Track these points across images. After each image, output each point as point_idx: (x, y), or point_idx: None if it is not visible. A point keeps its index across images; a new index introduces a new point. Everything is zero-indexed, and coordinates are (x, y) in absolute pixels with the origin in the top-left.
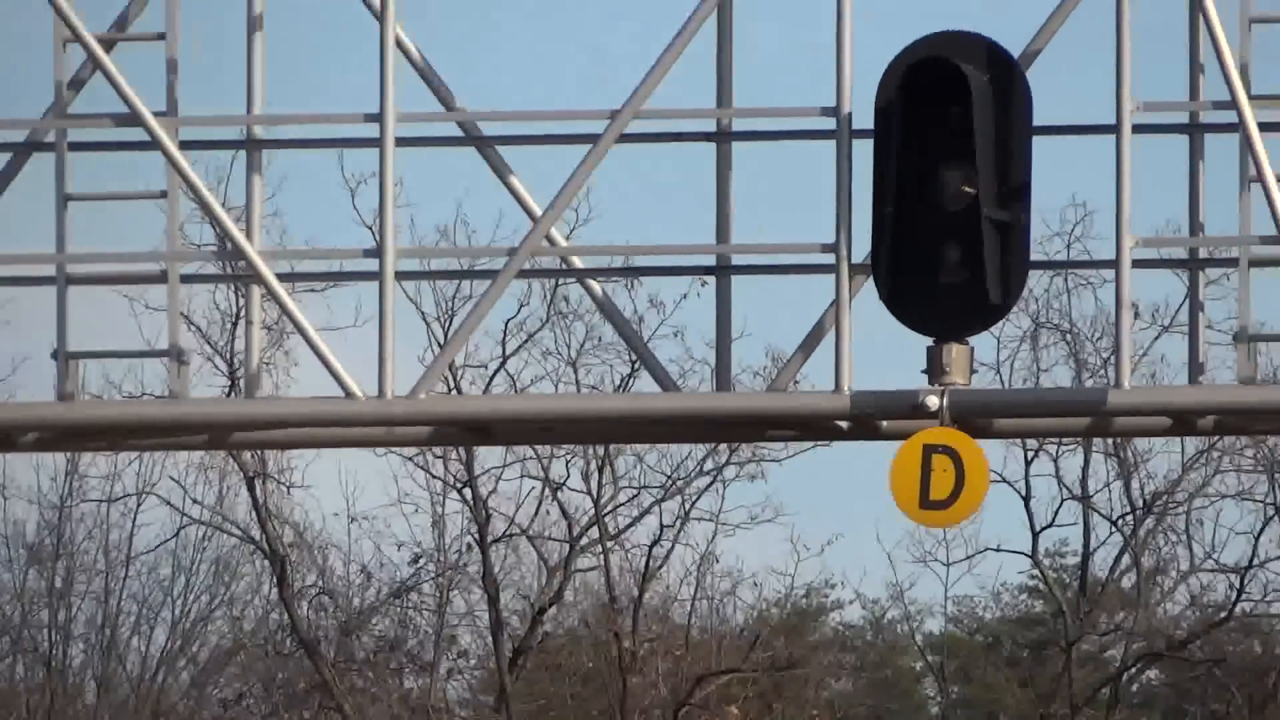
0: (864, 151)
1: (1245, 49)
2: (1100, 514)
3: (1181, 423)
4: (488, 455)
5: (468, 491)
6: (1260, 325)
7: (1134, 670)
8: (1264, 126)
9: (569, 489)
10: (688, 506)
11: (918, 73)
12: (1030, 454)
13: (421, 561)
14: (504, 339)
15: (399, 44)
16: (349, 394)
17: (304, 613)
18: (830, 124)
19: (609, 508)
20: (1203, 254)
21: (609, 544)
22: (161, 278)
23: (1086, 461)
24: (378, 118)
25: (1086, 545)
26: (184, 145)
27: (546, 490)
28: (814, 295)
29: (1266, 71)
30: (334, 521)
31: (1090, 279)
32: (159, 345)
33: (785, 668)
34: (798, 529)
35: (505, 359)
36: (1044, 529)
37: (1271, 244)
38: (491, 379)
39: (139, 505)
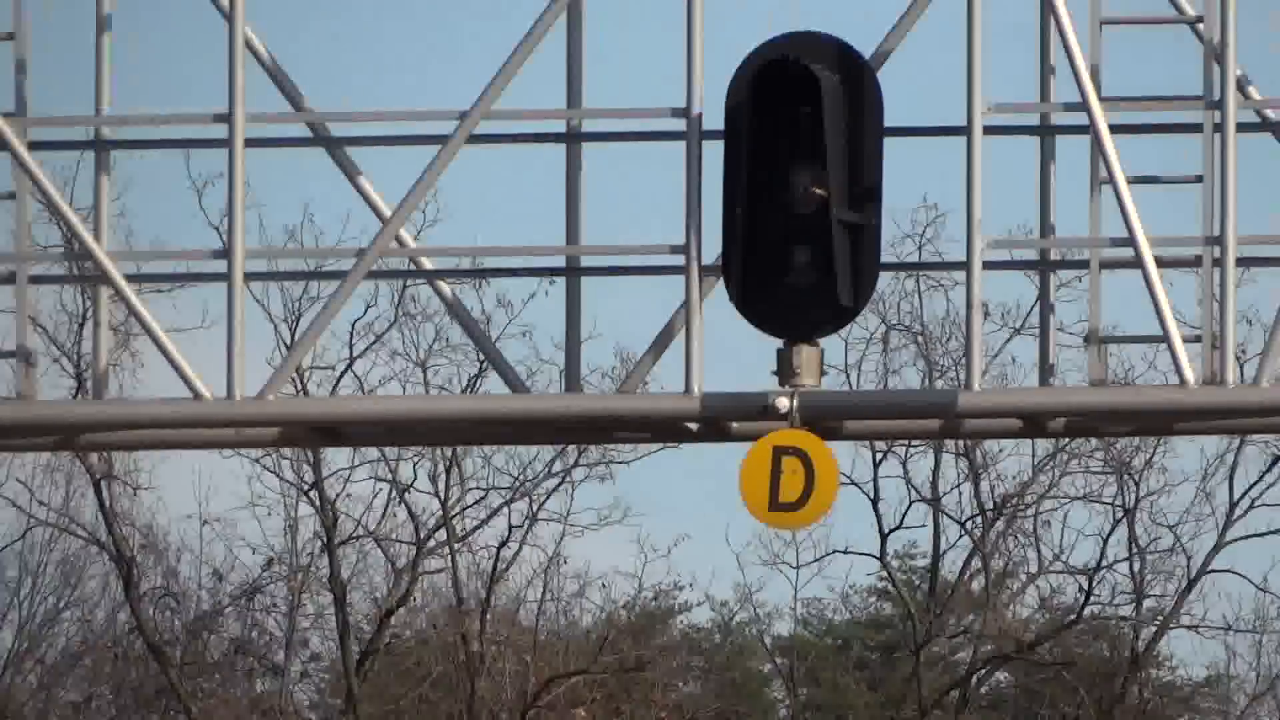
0: (715, 153)
1: (1096, 51)
2: (949, 516)
3: (1032, 425)
4: (336, 457)
5: (315, 494)
6: (1110, 327)
7: (983, 672)
8: (1115, 128)
9: (416, 490)
10: (536, 508)
11: (768, 74)
12: (879, 456)
13: (274, 564)
14: (351, 340)
15: (248, 44)
16: (197, 395)
17: (149, 615)
18: (681, 125)
19: (456, 509)
20: (1054, 256)
21: (456, 546)
22: (10, 278)
23: (936, 464)
24: (227, 118)
25: (936, 548)
26: (32, 146)
27: (394, 492)
28: (664, 296)
29: (1117, 73)
30: (186, 524)
31: (941, 280)
32: (6, 347)
33: (633, 669)
34: (646, 530)
35: (352, 360)
36: (893, 531)
37: (1122, 246)
38: (339, 380)
39: None
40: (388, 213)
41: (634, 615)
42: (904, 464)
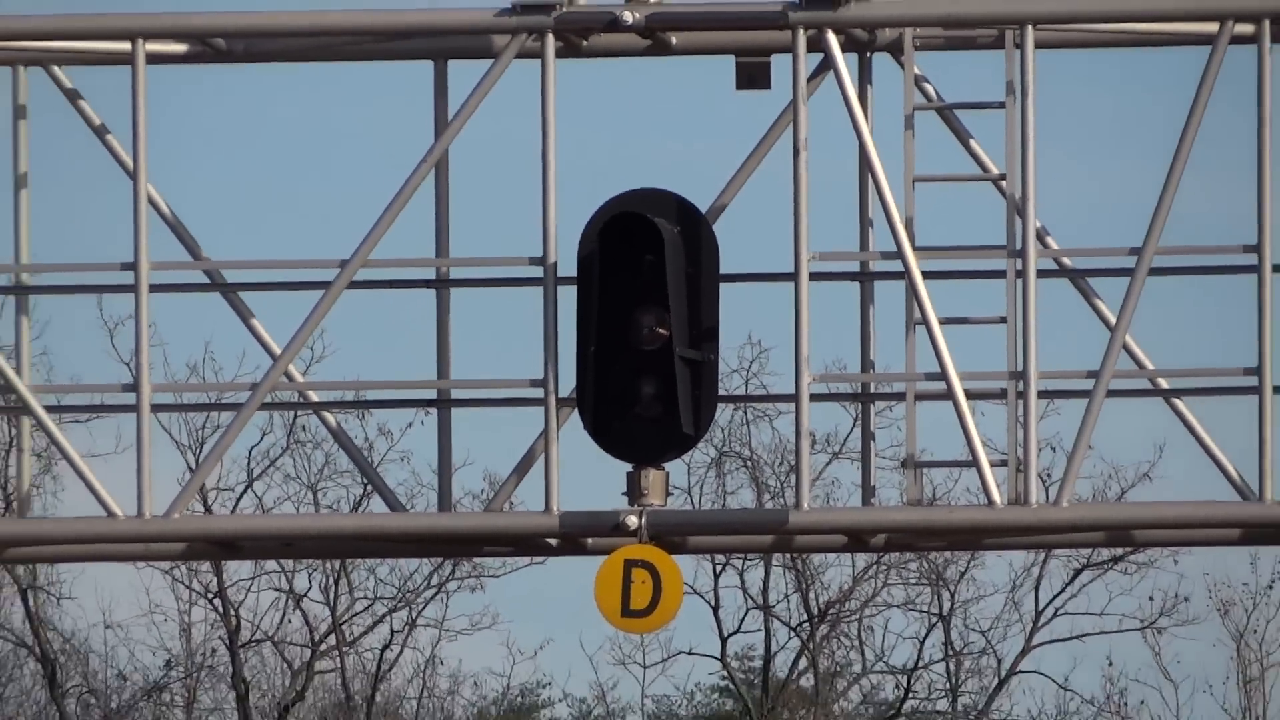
0: (570, 296)
1: (910, 205)
2: (781, 621)
3: (855, 540)
4: (237, 569)
5: (219, 601)
6: (924, 453)
7: None
8: (927, 274)
9: (310, 599)
10: (415, 615)
11: (615, 226)
12: (718, 567)
13: (172, 664)
14: (249, 464)
15: (151, 200)
16: (111, 514)
17: (72, 710)
18: (538, 272)
19: (345, 616)
20: (873, 389)
21: (345, 649)
22: None
23: (767, 574)
24: (133, 266)
25: (768, 650)
26: None
27: (289, 600)
28: (526, 425)
29: (929, 225)
30: (96, 629)
31: (768, 411)
32: None
33: None
34: (513, 635)
35: (250, 482)
36: (731, 635)
37: (935, 380)
38: (238, 500)
39: None
40: (278, 350)
41: (502, 711)
42: (740, 575)
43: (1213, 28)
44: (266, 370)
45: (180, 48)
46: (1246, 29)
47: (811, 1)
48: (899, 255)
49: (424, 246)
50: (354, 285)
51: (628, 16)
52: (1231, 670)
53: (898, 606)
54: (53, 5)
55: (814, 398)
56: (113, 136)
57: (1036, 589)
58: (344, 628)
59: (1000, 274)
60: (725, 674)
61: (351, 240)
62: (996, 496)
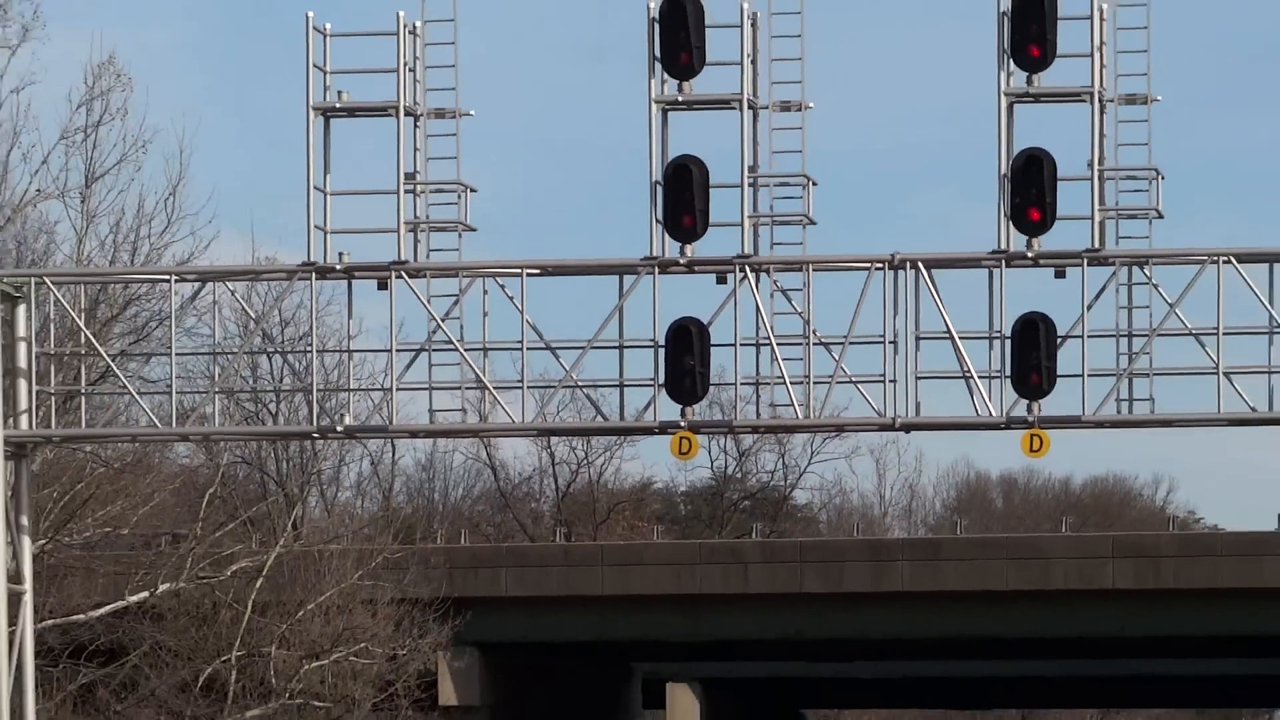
0: (662, 353)
1: (772, 324)
2: (730, 455)
3: (753, 430)
4: (555, 440)
5: (546, 449)
6: (784, 405)
7: (738, 509)
8: (779, 343)
9: (575, 450)
10: (611, 454)
11: (678, 330)
12: (711, 438)
13: (534, 471)
14: (545, 405)
15: (528, 320)
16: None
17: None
18: (651, 344)
19: (590, 455)
20: (761, 384)
21: (588, 466)
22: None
23: (725, 441)
24: (519, 345)
25: (725, 466)
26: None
27: (569, 447)
28: (648, 393)
29: (782, 328)
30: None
31: (727, 389)
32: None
33: (641, 500)
34: (645, 459)
35: (542, 409)
36: (714, 464)
37: (778, 379)
38: (556, 418)
39: (452, 460)
40: (567, 369)
41: (639, 486)
42: (719, 440)
43: (867, 264)
44: (560, 378)
45: (536, 271)
46: (880, 265)
47: (741, 255)
48: (768, 341)
49: (612, 335)
50: (594, 346)
51: (681, 260)
52: (875, 474)
53: (768, 450)
54: (479, 251)
55: (741, 384)
56: (514, 299)
57: (812, 444)
58: (586, 459)
59: (801, 345)
60: (711, 474)
61: (590, 331)
62: (801, 415)
